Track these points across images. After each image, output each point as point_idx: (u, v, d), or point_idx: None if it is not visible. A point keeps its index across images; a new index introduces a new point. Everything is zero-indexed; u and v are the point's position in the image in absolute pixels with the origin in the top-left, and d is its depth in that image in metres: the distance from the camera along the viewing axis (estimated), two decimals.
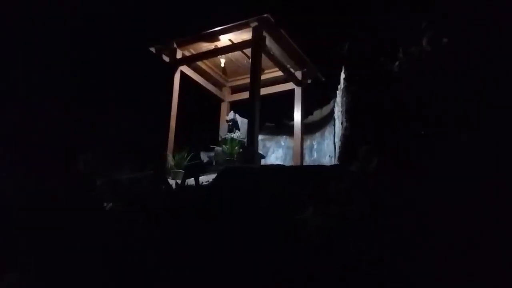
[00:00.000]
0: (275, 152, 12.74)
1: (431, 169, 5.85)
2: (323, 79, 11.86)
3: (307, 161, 11.82)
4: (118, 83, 14.18)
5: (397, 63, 7.55)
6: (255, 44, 10.16)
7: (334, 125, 10.49)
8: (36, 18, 13.79)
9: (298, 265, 5.49)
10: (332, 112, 11.05)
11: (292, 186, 6.47)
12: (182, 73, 11.29)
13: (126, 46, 14.37)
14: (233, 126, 11.22)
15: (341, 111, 8.18)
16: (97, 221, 7.02)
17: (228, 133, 11.13)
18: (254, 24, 10.07)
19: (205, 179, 8.77)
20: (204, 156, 11.54)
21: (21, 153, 9.09)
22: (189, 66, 11.56)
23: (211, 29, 10.51)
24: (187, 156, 10.23)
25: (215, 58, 11.65)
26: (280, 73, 11.65)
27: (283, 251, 5.70)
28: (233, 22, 10.25)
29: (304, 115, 11.61)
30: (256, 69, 10.09)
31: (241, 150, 10.04)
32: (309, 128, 12.06)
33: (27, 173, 8.04)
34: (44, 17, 13.80)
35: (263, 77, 11.24)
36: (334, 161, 9.73)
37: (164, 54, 11.30)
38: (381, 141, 6.65)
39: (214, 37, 10.69)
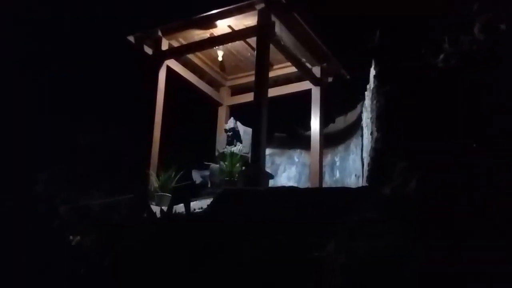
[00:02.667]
0: (287, 171, 12.76)
1: (489, 194, 5.83)
2: (348, 77, 11.90)
3: (328, 182, 11.83)
4: (87, 82, 14.25)
5: (442, 56, 7.56)
6: (262, 31, 10.22)
7: (361, 136, 10.49)
8: None
9: None
10: (359, 119, 11.05)
11: (308, 214, 6.49)
12: (169, 69, 11.37)
13: (98, 34, 14.46)
14: (234, 137, 11.24)
15: (371, 118, 8.19)
16: (61, 258, 7.05)
17: (227, 146, 11.17)
18: (260, 6, 10.13)
19: (198, 205, 8.79)
20: (196, 176, 11.58)
21: None
22: (177, 60, 11.64)
23: (206, 12, 10.58)
24: (175, 176, 10.28)
25: (210, 50, 11.73)
26: (293, 69, 11.72)
27: None
28: (233, 4, 10.31)
29: (323, 123, 11.64)
30: (262, 64, 10.14)
31: (243, 167, 10.06)
32: (330, 140, 12.07)
33: None
34: None
35: (271, 74, 11.30)
36: (361, 182, 9.72)
37: (146, 45, 11.38)
38: (422, 156, 6.65)
39: (209, 22, 10.76)
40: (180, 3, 13.50)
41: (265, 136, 9.77)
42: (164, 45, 11.29)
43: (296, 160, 12.84)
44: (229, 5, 10.33)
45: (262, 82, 10.02)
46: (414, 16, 8.05)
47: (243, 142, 11.14)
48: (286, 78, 12.19)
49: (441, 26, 7.72)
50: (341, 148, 12.09)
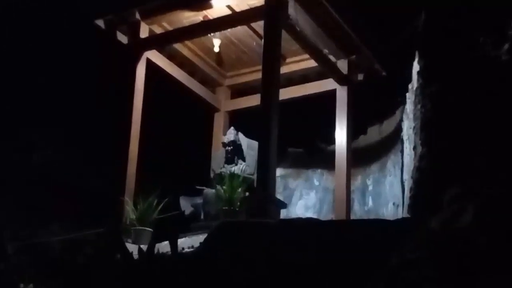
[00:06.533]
0: (304, 197, 12.81)
1: None
2: (384, 74, 11.94)
3: (357, 212, 11.88)
4: (41, 81, 14.28)
5: (506, 46, 7.61)
6: (271, 13, 10.30)
7: (401, 152, 10.54)
8: None
9: None
10: (398, 129, 11.09)
11: (331, 255, 6.53)
12: (150, 63, 11.46)
13: (55, 16, 14.50)
14: (234, 153, 11.27)
15: (414, 128, 8.24)
16: None
17: (225, 165, 11.21)
18: None
19: (187, 242, 8.86)
20: (186, 205, 11.59)
21: None
22: (161, 51, 11.72)
23: None
24: (157, 205, 10.33)
25: (204, 38, 11.83)
26: (312, 64, 11.79)
27: None
28: None
29: (352, 135, 11.68)
30: (272, 57, 10.24)
31: (247, 193, 10.10)
32: (361, 157, 12.13)
33: None
34: None
35: (284, 69, 11.37)
36: (402, 213, 9.78)
37: (120, 31, 11.47)
38: (481, 178, 6.69)
39: (202, 1, 10.86)
40: None
41: (276, 152, 9.84)
42: (144, 32, 11.39)
43: (316, 183, 12.90)
44: None
45: (271, 81, 10.11)
46: None
47: (246, 159, 11.17)
48: (303, 76, 12.28)
49: (504, 7, 7.76)
50: (375, 167, 12.15)
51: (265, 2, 10.30)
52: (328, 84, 11.90)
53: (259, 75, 10.50)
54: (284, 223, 8.01)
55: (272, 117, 9.82)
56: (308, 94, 12.18)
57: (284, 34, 10.49)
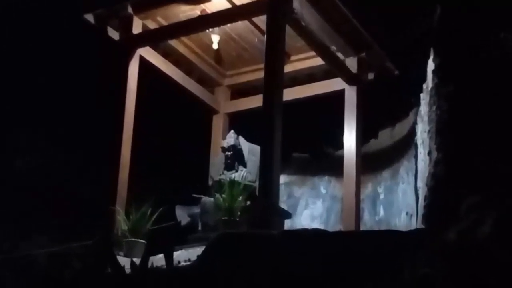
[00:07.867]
0: (310, 207, 12.82)
1: None
2: (396, 73, 11.94)
3: (368, 222, 11.89)
4: (25, 81, 14.30)
5: None
6: (275, 7, 10.29)
7: (415, 157, 10.54)
8: None
9: None
10: (411, 132, 11.10)
11: (339, 268, 6.55)
12: (143, 60, 11.47)
13: (42, 12, 14.54)
14: (234, 158, 11.28)
15: (429, 131, 8.24)
16: None
17: (225, 172, 11.23)
18: None
19: (184, 255, 8.87)
20: (182, 214, 11.60)
21: None
22: (155, 48, 11.74)
23: None
24: (151, 214, 10.34)
25: (202, 35, 11.84)
26: (319, 62, 11.79)
27: None
28: None
29: (362, 139, 11.68)
30: (275, 55, 10.23)
31: (248, 202, 10.10)
32: (371, 163, 12.13)
33: None
34: None
35: (288, 68, 11.38)
36: (415, 223, 9.78)
37: (111, 27, 11.47)
38: (502, 186, 6.70)
39: None
40: None
41: (279, 157, 9.84)
42: (137, 27, 11.39)
43: (323, 191, 12.90)
44: None
45: (274, 80, 10.10)
46: None
47: (247, 165, 11.18)
48: (308, 75, 12.28)
49: None
50: (386, 174, 12.15)
51: None
52: (336, 83, 11.90)
53: (261, 74, 10.50)
54: (288, 235, 8.01)
55: (275, 120, 9.81)
56: (314, 95, 12.16)
57: (289, 30, 10.47)
